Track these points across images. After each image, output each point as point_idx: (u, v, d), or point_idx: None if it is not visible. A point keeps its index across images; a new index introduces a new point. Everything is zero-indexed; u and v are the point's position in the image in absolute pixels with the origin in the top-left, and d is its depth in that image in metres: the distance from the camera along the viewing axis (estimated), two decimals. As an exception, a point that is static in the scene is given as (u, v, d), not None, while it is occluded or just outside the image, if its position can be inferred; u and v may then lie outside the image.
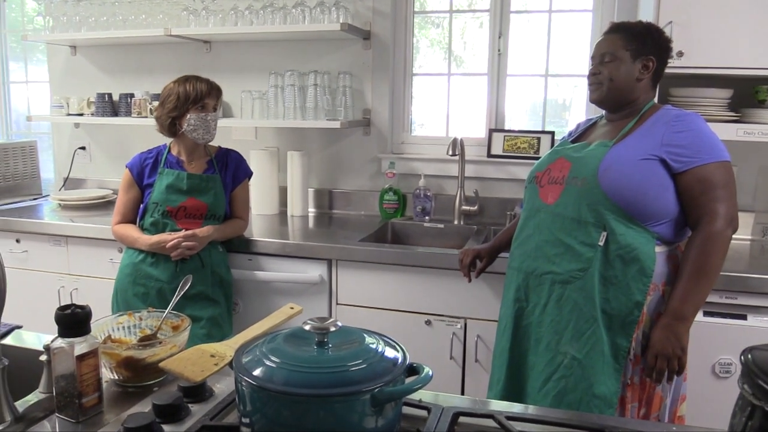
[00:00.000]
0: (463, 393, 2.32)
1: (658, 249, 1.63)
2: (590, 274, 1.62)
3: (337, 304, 2.42)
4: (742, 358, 0.84)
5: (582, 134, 1.87)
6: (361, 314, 2.38)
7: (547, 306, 1.70)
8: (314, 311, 2.35)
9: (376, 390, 0.86)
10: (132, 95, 3.17)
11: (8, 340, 1.45)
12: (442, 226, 2.82)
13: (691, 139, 1.60)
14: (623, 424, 1.06)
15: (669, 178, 1.61)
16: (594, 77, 1.74)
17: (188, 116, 2.25)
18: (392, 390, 0.87)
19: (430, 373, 0.92)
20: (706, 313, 2.04)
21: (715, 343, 2.03)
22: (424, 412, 1.05)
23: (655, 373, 1.58)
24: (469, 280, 2.09)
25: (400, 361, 0.93)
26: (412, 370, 0.94)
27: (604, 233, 1.60)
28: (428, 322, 2.31)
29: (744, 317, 2.06)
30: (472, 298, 2.26)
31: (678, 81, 2.34)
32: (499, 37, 2.88)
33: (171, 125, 2.28)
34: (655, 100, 1.81)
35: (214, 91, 2.30)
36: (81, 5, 3.16)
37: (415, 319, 2.33)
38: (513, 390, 1.81)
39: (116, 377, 1.19)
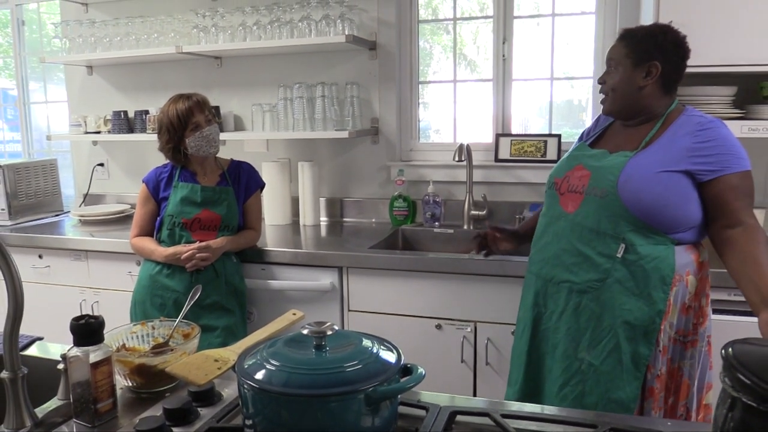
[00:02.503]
0: (475, 395, 2.34)
1: (679, 245, 1.64)
2: (608, 285, 1.63)
3: (349, 310, 2.46)
4: (723, 352, 0.87)
5: (601, 136, 1.85)
6: (372, 320, 2.42)
7: (564, 314, 1.71)
8: (326, 318, 2.38)
9: (370, 389, 0.90)
10: (147, 112, 3.26)
11: (32, 351, 1.52)
12: (451, 231, 2.85)
13: (718, 149, 1.58)
14: (618, 420, 1.08)
15: (692, 189, 1.60)
16: (601, 87, 1.75)
17: (186, 141, 2.30)
18: (386, 389, 0.91)
19: (423, 372, 0.95)
20: (716, 311, 2.04)
21: (727, 341, 2.03)
22: (422, 412, 1.09)
23: None
24: (477, 252, 2.09)
25: (394, 361, 0.97)
26: (407, 370, 0.98)
27: (623, 245, 1.61)
28: (439, 327, 2.35)
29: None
30: (482, 301, 2.29)
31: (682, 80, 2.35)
32: (504, 43, 2.92)
33: (175, 152, 2.34)
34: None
35: (197, 105, 2.30)
36: (96, 26, 3.26)
37: (425, 324, 2.36)
38: (530, 391, 1.84)
39: (130, 384, 1.24)
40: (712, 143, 1.59)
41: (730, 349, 0.87)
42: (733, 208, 1.59)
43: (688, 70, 1.92)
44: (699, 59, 2.18)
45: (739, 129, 2.24)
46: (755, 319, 2.02)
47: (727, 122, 2.20)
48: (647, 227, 1.59)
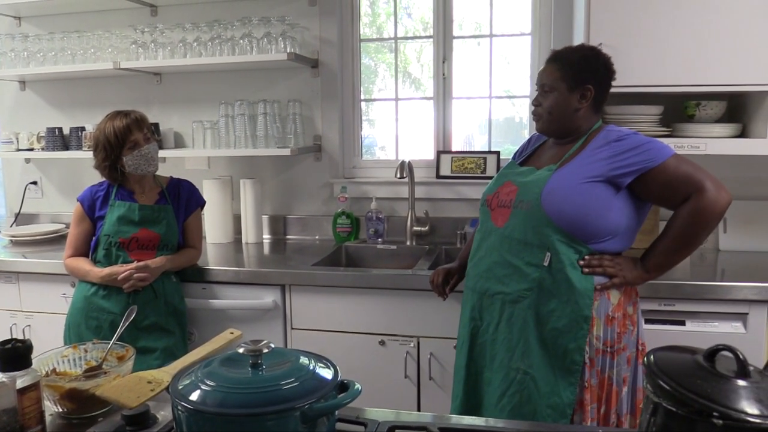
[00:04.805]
0: (419, 411, 2.35)
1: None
2: (538, 293, 1.69)
3: (292, 328, 2.44)
4: (645, 360, 0.91)
5: (532, 155, 1.93)
6: (316, 338, 2.41)
7: (500, 325, 1.76)
8: (269, 337, 2.36)
9: (306, 406, 0.90)
10: (83, 128, 3.17)
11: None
12: (394, 247, 2.87)
13: (639, 149, 1.65)
14: (551, 429, 1.11)
15: (613, 198, 1.66)
16: (535, 108, 1.82)
17: (123, 159, 2.25)
18: (322, 406, 0.92)
19: (359, 388, 0.96)
20: (647, 321, 2.12)
21: (657, 350, 2.10)
22: (361, 428, 1.09)
23: (596, 266, 1.67)
24: (444, 299, 2.10)
25: (330, 378, 0.97)
26: (344, 386, 0.99)
27: (548, 254, 1.67)
28: (382, 343, 2.35)
29: (683, 323, 2.15)
30: (424, 317, 2.31)
31: (611, 99, 2.44)
32: (444, 62, 2.98)
33: (111, 170, 2.28)
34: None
35: (135, 123, 2.25)
36: (29, 41, 3.16)
37: (369, 340, 2.37)
38: (470, 405, 1.87)
39: (60, 409, 1.20)
40: (631, 145, 1.67)
41: (651, 357, 0.91)
42: (682, 188, 1.65)
43: (618, 89, 2.02)
44: (628, 79, 2.29)
45: (665, 146, 2.34)
46: (684, 328, 2.13)
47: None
48: (569, 237, 1.66)
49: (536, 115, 1.82)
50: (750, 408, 0.79)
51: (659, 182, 1.66)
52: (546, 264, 1.67)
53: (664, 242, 1.72)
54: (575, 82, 1.74)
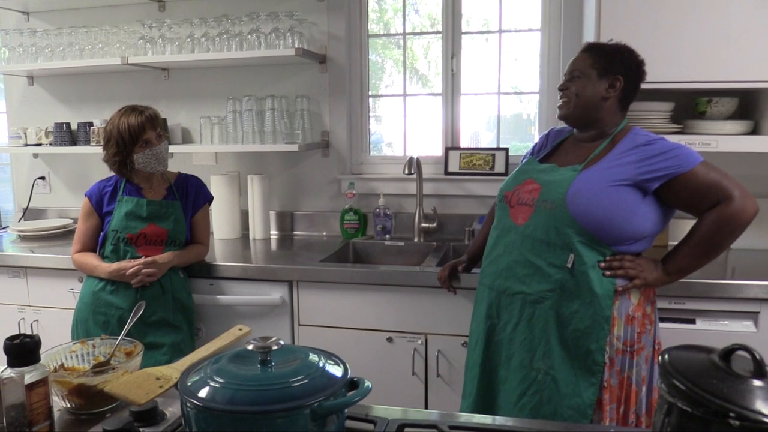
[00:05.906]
0: (426, 408, 2.35)
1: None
2: (560, 295, 1.67)
3: (300, 325, 2.44)
4: (660, 359, 0.90)
5: (552, 152, 1.90)
6: (323, 334, 2.40)
7: (519, 324, 1.74)
8: (276, 333, 2.37)
9: (316, 404, 0.89)
10: (91, 124, 3.18)
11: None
12: (402, 243, 2.86)
13: (667, 155, 1.63)
14: (563, 428, 1.10)
15: (640, 203, 1.64)
16: (562, 93, 1.79)
17: (134, 156, 2.24)
18: (332, 403, 0.91)
19: (369, 385, 0.95)
20: (659, 319, 2.10)
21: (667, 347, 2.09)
22: (370, 426, 1.08)
23: (617, 268, 1.66)
24: (455, 293, 2.11)
25: (340, 375, 0.96)
26: (354, 384, 0.98)
27: (572, 255, 1.65)
28: (390, 339, 2.35)
29: (693, 321, 2.13)
30: (432, 313, 2.30)
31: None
32: (452, 58, 2.97)
33: (121, 166, 2.27)
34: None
35: (150, 121, 2.25)
36: (37, 36, 3.17)
37: (376, 337, 2.36)
38: (484, 403, 1.86)
39: (68, 405, 1.20)
40: (659, 150, 1.65)
41: (666, 356, 0.90)
42: (708, 196, 1.63)
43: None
44: (639, 76, 2.27)
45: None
46: (695, 326, 2.11)
47: (665, 136, 2.30)
48: (593, 239, 1.65)
49: (562, 100, 1.79)
50: (767, 409, 0.77)
51: (687, 189, 1.64)
52: (569, 265, 1.66)
53: (687, 247, 1.70)
54: (606, 71, 1.73)
